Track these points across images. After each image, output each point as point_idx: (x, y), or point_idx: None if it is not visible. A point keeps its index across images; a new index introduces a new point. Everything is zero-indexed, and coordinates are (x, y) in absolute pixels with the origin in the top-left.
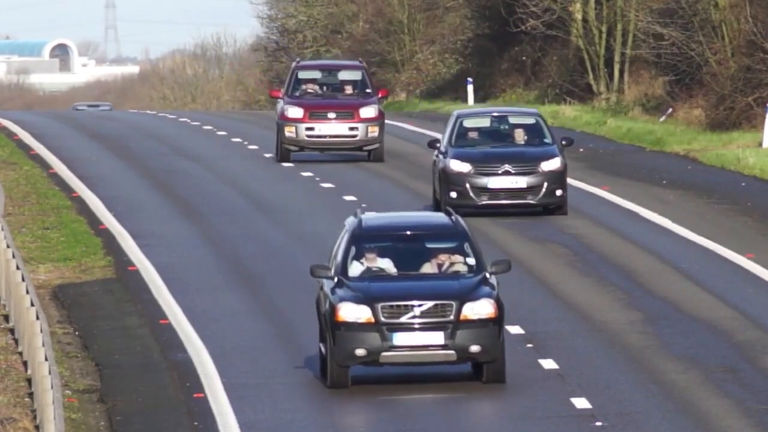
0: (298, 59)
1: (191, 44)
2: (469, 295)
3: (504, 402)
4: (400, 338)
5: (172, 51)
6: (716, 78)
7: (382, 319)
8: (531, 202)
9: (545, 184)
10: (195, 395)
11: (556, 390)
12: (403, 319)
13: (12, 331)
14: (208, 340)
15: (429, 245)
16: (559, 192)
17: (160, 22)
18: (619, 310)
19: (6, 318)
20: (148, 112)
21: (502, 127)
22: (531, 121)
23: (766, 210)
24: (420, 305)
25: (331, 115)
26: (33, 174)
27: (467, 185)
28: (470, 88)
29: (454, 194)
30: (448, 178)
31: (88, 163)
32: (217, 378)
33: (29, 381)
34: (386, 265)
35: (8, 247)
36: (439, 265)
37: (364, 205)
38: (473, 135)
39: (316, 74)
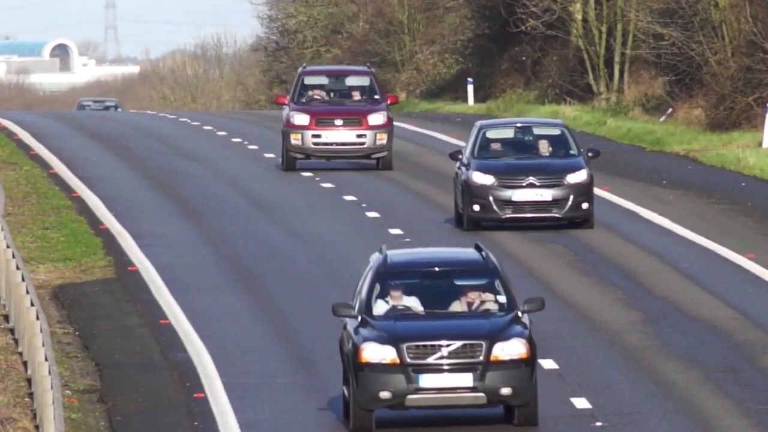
0: (304, 65)
1: (191, 44)
2: (500, 334)
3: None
4: (426, 380)
5: (172, 51)
6: (716, 78)
7: (408, 360)
8: (556, 215)
9: (571, 197)
10: (195, 395)
11: (556, 390)
12: (430, 359)
13: (12, 331)
14: (208, 340)
15: (458, 282)
16: (585, 205)
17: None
18: (619, 310)
19: (6, 318)
20: (148, 112)
21: (526, 138)
22: (556, 132)
23: (766, 210)
24: (448, 345)
25: (338, 121)
26: (33, 174)
27: (490, 198)
28: (470, 88)
29: (477, 207)
30: (470, 191)
31: (88, 163)
32: (217, 378)
33: (29, 381)
34: (413, 303)
35: (8, 247)
36: (469, 304)
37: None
38: (496, 146)
39: (323, 80)
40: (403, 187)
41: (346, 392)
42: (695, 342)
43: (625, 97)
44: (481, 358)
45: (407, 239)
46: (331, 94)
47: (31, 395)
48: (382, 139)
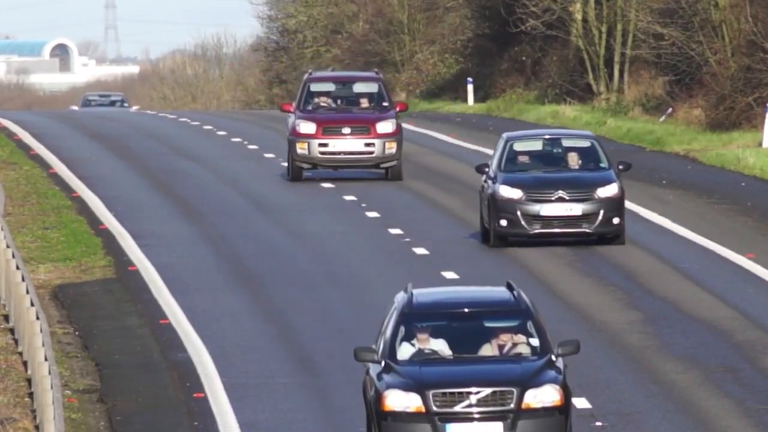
0: (310, 71)
1: (191, 44)
2: (532, 380)
3: None
4: (454, 430)
5: (172, 51)
6: (716, 78)
7: (434, 408)
8: (586, 230)
9: (601, 212)
10: (195, 395)
11: None
12: (458, 408)
13: (12, 331)
14: (208, 340)
15: (488, 324)
16: (616, 220)
17: (160, 22)
18: (619, 310)
19: (6, 318)
20: (148, 112)
21: (554, 150)
22: (586, 144)
23: (766, 210)
24: (477, 392)
25: (346, 130)
26: (33, 174)
27: (518, 213)
28: (470, 88)
29: (504, 222)
30: (497, 205)
31: (88, 163)
32: (217, 378)
33: (29, 381)
34: (440, 346)
35: (8, 247)
36: (500, 346)
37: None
38: (524, 159)
39: (330, 87)
40: (403, 187)
41: None
42: (695, 342)
43: (625, 97)
44: (512, 405)
45: (407, 239)
46: (338, 102)
47: (31, 395)
48: (392, 148)
